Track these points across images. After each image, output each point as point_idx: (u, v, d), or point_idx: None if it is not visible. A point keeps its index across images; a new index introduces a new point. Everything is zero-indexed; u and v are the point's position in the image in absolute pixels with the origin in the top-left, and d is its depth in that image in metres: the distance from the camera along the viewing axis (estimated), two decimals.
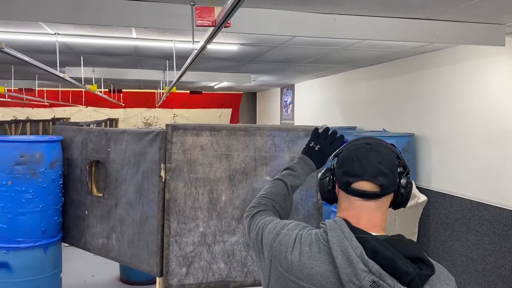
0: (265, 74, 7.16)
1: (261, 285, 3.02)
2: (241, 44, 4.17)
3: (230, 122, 13.48)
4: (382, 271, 0.95)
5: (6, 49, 2.22)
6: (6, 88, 6.10)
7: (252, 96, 13.42)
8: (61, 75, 3.70)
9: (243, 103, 13.61)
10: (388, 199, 1.10)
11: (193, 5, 1.88)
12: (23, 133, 8.33)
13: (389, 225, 1.88)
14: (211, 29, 1.62)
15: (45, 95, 10.38)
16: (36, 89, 8.28)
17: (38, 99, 8.21)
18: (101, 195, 3.40)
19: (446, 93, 4.41)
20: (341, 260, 0.98)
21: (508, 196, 3.68)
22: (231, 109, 13.82)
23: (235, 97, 13.58)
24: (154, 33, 3.56)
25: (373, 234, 1.04)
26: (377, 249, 0.97)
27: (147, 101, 13.32)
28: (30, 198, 3.33)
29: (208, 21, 1.38)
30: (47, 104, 12.19)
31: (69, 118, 12.41)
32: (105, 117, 12.14)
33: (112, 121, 11.14)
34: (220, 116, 13.90)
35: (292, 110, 9.56)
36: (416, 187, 4.39)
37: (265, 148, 3.09)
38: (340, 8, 2.84)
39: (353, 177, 1.08)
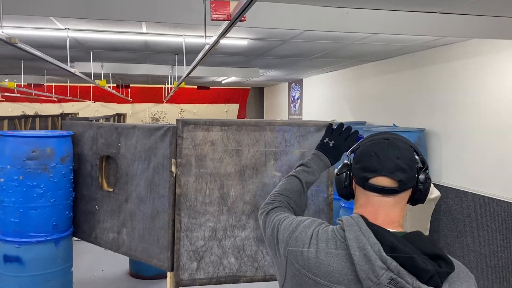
0: (273, 69, 7.14)
1: (271, 280, 3.01)
2: (251, 38, 4.15)
3: (238, 117, 13.47)
4: (401, 268, 0.94)
5: (20, 45, 2.22)
6: (16, 84, 6.13)
7: (259, 91, 13.38)
8: (72, 70, 3.70)
9: (250, 98, 13.59)
10: (406, 195, 1.09)
11: None
12: (32, 128, 8.38)
13: None
14: (225, 23, 1.61)
15: (53, 90, 10.43)
16: (46, 84, 8.32)
17: (47, 94, 8.25)
18: (112, 190, 3.41)
19: (458, 87, 4.37)
20: (358, 257, 0.97)
21: None
22: (238, 104, 13.80)
23: (242, 92, 13.55)
24: (165, 28, 3.54)
25: (391, 230, 1.02)
26: (395, 246, 0.96)
27: (155, 96, 13.35)
28: (41, 193, 3.34)
29: (224, 15, 1.37)
30: (55, 99, 12.26)
31: (77, 113, 12.48)
32: (113, 112, 12.18)
33: (120, 116, 11.18)
34: (228, 111, 13.89)
35: (300, 105, 9.52)
36: None
37: (276, 143, 3.08)
38: (352, 1, 2.80)
39: (371, 172, 1.06)
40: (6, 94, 8.83)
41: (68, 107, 13.16)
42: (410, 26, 3.05)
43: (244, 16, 1.40)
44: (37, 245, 3.34)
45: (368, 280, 0.95)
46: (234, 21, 1.45)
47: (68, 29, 3.59)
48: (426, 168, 1.12)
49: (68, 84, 10.69)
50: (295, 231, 1.11)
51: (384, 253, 0.95)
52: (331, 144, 1.57)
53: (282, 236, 1.14)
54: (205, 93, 13.09)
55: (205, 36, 2.17)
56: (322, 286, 1.02)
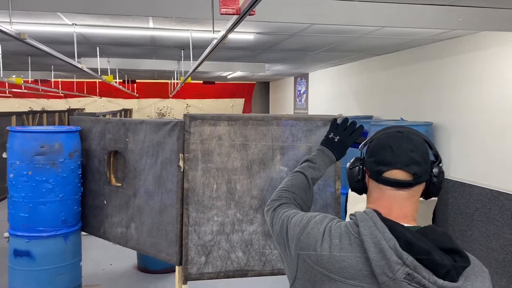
0: (279, 63, 7.11)
1: (279, 274, 3.02)
2: (257, 33, 4.14)
3: (243, 112, 13.47)
4: (417, 263, 0.93)
5: (28, 40, 2.23)
6: (23, 79, 6.16)
7: (265, 85, 13.36)
8: (79, 65, 3.71)
9: (255, 93, 13.57)
10: (420, 188, 1.08)
11: None
12: (40, 123, 8.43)
13: None
14: (234, 17, 1.60)
15: (59, 86, 10.48)
16: (53, 80, 8.35)
17: (54, 89, 8.29)
18: (120, 185, 3.42)
19: (466, 81, 4.33)
20: (373, 252, 0.96)
21: None
22: (243, 99, 13.79)
23: (247, 87, 13.54)
24: (172, 23, 3.54)
25: (405, 225, 1.02)
26: (411, 240, 0.95)
27: (161, 92, 13.37)
28: (50, 188, 3.37)
29: (233, 9, 1.36)
30: (61, 95, 12.31)
31: (84, 108, 12.54)
32: (119, 108, 12.23)
33: (127, 112, 11.22)
34: (233, 106, 13.89)
35: (306, 100, 9.50)
36: None
37: (283, 138, 3.07)
38: None
39: (385, 165, 1.06)
40: (13, 90, 8.87)
41: (74, 103, 13.23)
42: (418, 19, 3.02)
43: (254, 10, 1.39)
44: (46, 239, 3.37)
45: (384, 275, 0.95)
46: (243, 15, 1.44)
47: (75, 24, 3.60)
48: (440, 162, 1.11)
49: (75, 80, 10.73)
50: (306, 227, 1.10)
51: (400, 249, 0.94)
52: (336, 140, 1.56)
53: (293, 233, 1.14)
54: (211, 88, 13.09)
55: (213, 30, 2.16)
56: (336, 282, 1.01)
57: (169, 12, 2.51)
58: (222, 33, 2.14)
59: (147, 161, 3.21)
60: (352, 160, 1.21)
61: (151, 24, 3.65)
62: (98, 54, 5.25)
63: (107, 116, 5.80)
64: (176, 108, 13.71)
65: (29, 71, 6.46)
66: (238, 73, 8.38)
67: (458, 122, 4.45)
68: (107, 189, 3.52)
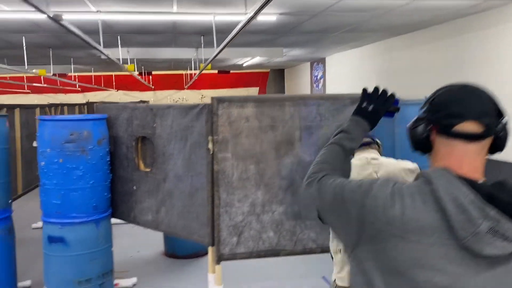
0: (297, 47, 7.07)
1: (310, 253, 3.00)
2: (280, 14, 4.10)
3: None
4: (501, 216, 0.92)
5: (64, 23, 2.24)
6: (46, 72, 6.22)
7: (279, 73, 13.29)
8: (106, 52, 3.74)
9: (270, 82, 13.52)
10: (488, 142, 1.06)
11: None
12: None
13: None
14: None
15: (76, 80, 10.60)
16: (73, 74, 8.44)
17: (73, 82, 8.38)
18: (149, 170, 3.45)
19: (493, 56, 4.23)
20: (452, 208, 0.95)
21: None
22: (258, 88, 13.77)
23: (261, 76, 13.51)
24: (195, 6, 3.53)
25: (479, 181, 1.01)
26: (491, 193, 0.94)
27: (176, 83, 13.44)
28: (80, 175, 3.41)
29: None
30: (79, 89, 12.45)
31: (101, 102, 12.67)
32: (136, 100, 12.33)
33: (144, 103, 11.32)
34: (248, 95, 13.89)
35: (324, 85, 9.42)
36: None
37: (310, 118, 3.05)
38: None
39: (456, 118, 1.04)
40: (33, 84, 9.00)
41: (91, 97, 13.35)
42: None
43: None
44: (79, 225, 3.42)
45: (464, 230, 0.94)
46: None
47: (100, 11, 3.61)
48: (504, 116, 1.09)
49: (92, 74, 10.83)
50: (371, 191, 1.08)
51: (480, 203, 0.93)
52: (370, 109, 1.52)
53: (352, 198, 1.11)
54: (225, 77, 13.10)
55: (246, 7, 2.14)
56: (409, 243, 0.99)
57: None
58: (250, 14, 2.12)
59: (175, 146, 3.23)
60: (413, 121, 1.17)
61: (175, 8, 3.65)
62: (119, 43, 5.27)
63: None
64: (191, 99, 13.77)
65: (51, 65, 6.52)
66: (254, 60, 8.35)
67: None
68: (136, 175, 3.55)
